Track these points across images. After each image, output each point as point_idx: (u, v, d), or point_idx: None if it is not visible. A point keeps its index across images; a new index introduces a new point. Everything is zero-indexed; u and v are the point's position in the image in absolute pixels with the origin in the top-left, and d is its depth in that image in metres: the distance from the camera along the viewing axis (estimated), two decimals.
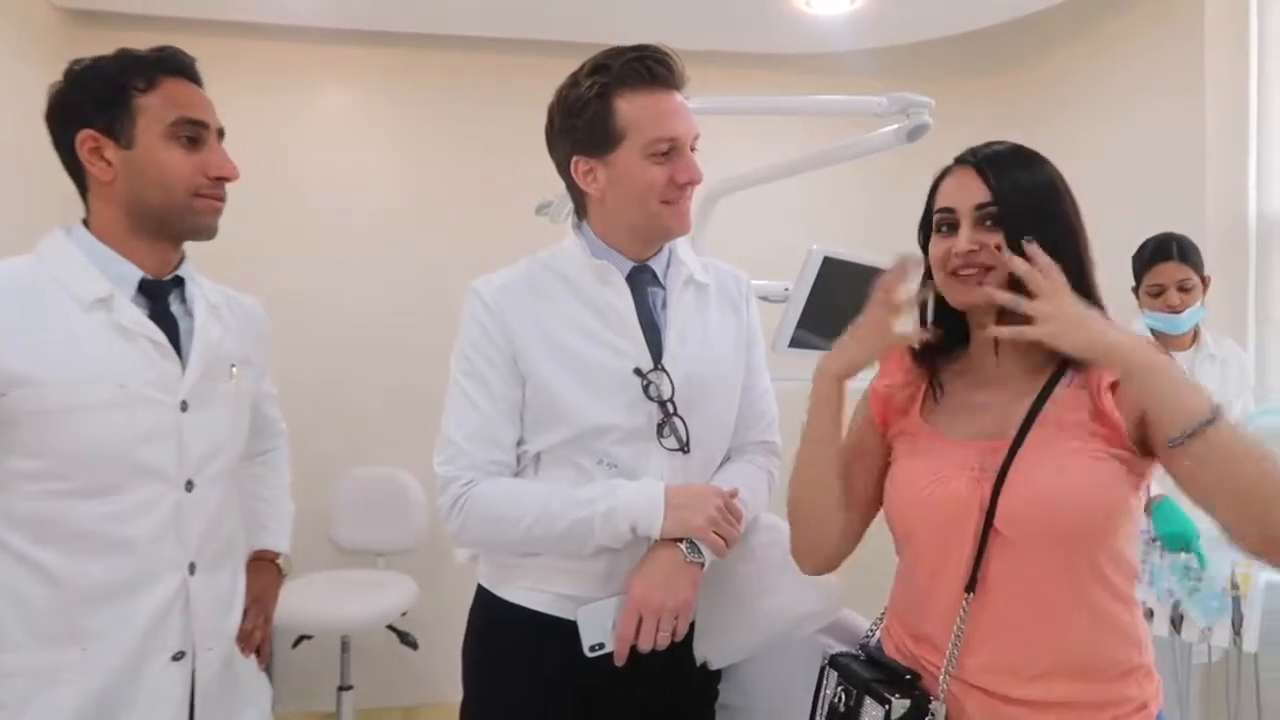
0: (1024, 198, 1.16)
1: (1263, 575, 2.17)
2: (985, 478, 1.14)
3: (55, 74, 1.34)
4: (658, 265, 1.44)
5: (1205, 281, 2.48)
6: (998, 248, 1.15)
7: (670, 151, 1.34)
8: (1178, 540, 2.24)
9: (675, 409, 1.38)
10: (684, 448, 1.38)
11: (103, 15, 3.28)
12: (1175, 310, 2.44)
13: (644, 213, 1.37)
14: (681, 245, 1.48)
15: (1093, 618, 1.13)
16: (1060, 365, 1.17)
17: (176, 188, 1.31)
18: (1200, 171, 2.88)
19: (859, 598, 1.48)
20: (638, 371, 1.37)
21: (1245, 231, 2.82)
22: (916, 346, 1.27)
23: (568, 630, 1.33)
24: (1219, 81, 2.87)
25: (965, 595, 1.14)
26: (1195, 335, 2.54)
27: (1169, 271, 2.45)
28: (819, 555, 1.30)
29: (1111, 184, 2.97)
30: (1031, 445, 1.13)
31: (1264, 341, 2.80)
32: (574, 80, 1.38)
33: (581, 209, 1.45)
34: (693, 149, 1.39)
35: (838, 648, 1.31)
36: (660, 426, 1.37)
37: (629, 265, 1.42)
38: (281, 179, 3.46)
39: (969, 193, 1.18)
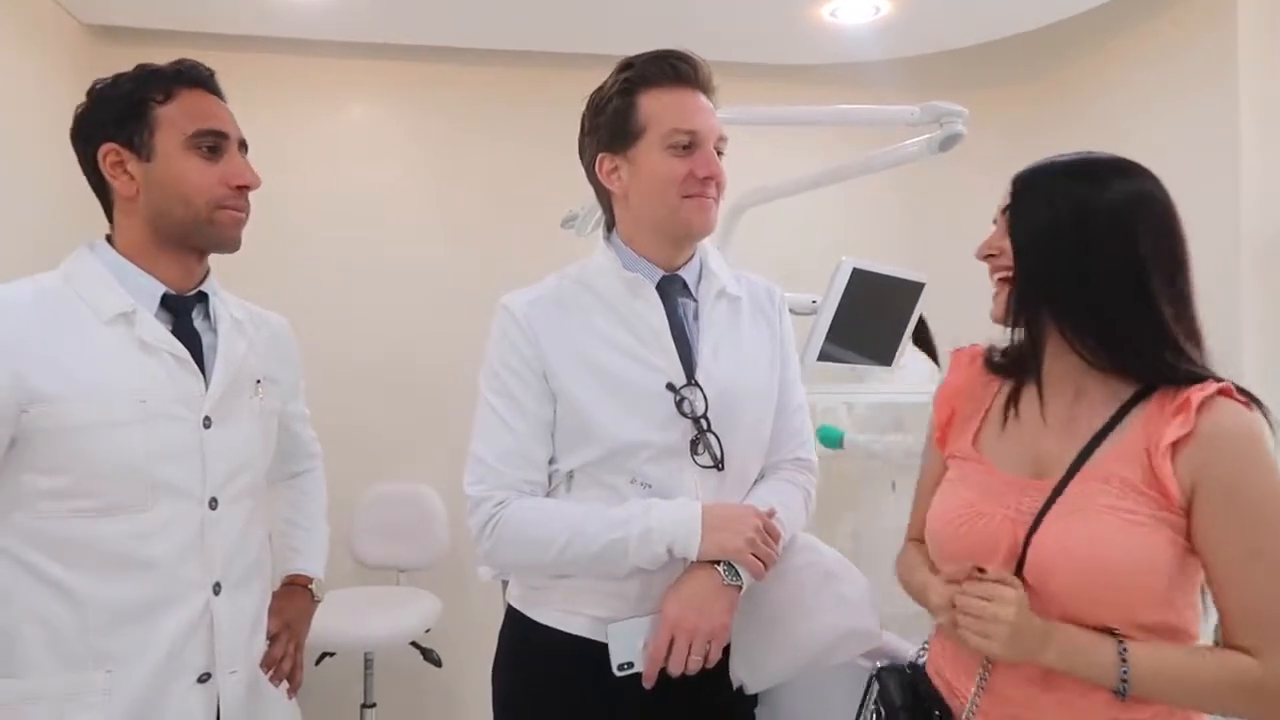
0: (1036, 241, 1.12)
1: None
2: (1021, 521, 1.10)
3: (83, 89, 1.33)
4: (689, 275, 1.42)
5: None
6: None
7: (690, 145, 1.33)
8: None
9: (709, 425, 1.34)
10: (718, 464, 1.35)
11: (129, 31, 3.30)
12: None
13: (665, 207, 1.35)
14: (714, 257, 1.46)
15: None
16: (1128, 403, 1.10)
17: (197, 199, 1.30)
18: (1235, 177, 2.81)
19: (898, 618, 1.44)
20: (670, 387, 1.34)
21: None
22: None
23: (601, 653, 1.30)
24: (1253, 84, 2.80)
25: None
26: None
27: None
28: None
29: None
30: (1070, 496, 1.07)
31: None
32: (602, 83, 1.39)
33: (609, 214, 1.44)
34: (719, 152, 1.37)
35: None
36: (694, 443, 1.34)
37: (659, 274, 1.39)
38: (304, 194, 3.46)
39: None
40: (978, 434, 1.22)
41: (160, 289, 1.33)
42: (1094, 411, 1.11)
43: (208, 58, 1.37)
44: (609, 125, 1.35)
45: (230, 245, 1.36)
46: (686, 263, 1.42)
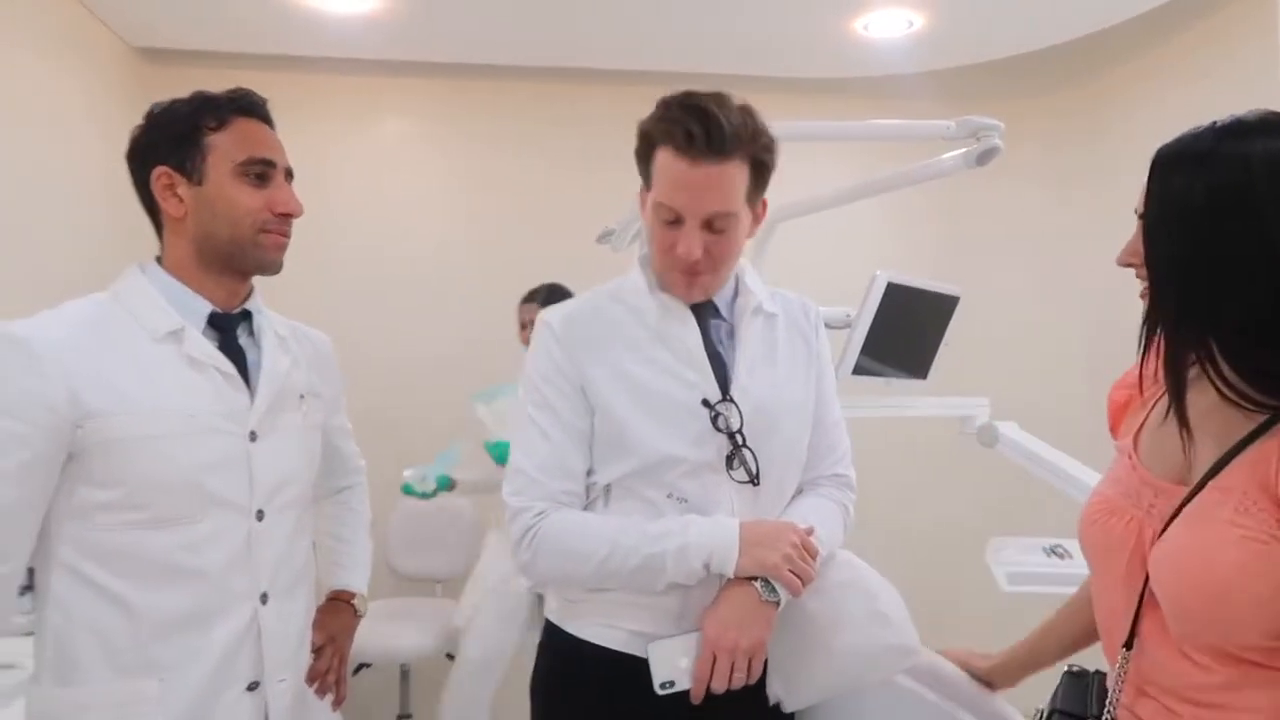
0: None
1: None
2: (1150, 522, 1.03)
3: (131, 109, 1.37)
4: (720, 300, 1.43)
5: None
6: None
7: (675, 222, 1.31)
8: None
9: (744, 440, 1.35)
10: (754, 480, 1.36)
11: (175, 53, 3.38)
12: None
13: (659, 265, 1.37)
14: (749, 274, 1.46)
15: (1272, 698, 0.95)
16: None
17: (243, 223, 1.34)
18: None
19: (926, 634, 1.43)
20: (706, 402, 1.35)
21: None
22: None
23: (640, 668, 1.30)
24: None
25: (1123, 650, 1.05)
26: None
27: None
28: None
29: None
30: (1198, 505, 0.98)
31: None
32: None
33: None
34: (719, 229, 1.31)
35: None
36: (729, 458, 1.35)
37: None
38: (341, 208, 3.51)
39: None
40: (1141, 427, 1.13)
41: (207, 308, 1.36)
42: (1247, 415, 0.97)
43: (248, 78, 1.40)
44: (639, 162, 1.35)
45: (272, 268, 1.39)
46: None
